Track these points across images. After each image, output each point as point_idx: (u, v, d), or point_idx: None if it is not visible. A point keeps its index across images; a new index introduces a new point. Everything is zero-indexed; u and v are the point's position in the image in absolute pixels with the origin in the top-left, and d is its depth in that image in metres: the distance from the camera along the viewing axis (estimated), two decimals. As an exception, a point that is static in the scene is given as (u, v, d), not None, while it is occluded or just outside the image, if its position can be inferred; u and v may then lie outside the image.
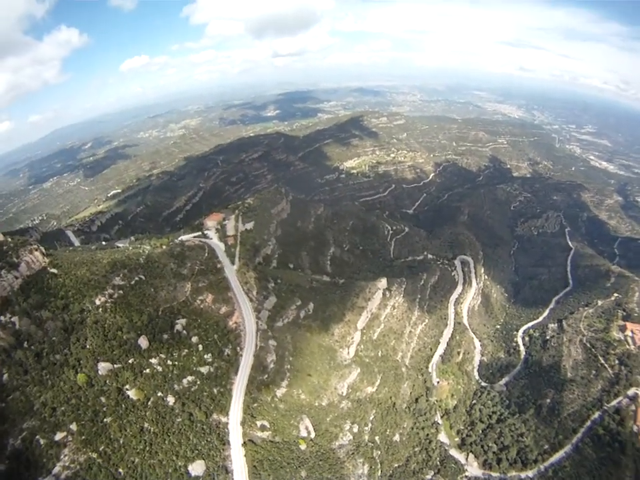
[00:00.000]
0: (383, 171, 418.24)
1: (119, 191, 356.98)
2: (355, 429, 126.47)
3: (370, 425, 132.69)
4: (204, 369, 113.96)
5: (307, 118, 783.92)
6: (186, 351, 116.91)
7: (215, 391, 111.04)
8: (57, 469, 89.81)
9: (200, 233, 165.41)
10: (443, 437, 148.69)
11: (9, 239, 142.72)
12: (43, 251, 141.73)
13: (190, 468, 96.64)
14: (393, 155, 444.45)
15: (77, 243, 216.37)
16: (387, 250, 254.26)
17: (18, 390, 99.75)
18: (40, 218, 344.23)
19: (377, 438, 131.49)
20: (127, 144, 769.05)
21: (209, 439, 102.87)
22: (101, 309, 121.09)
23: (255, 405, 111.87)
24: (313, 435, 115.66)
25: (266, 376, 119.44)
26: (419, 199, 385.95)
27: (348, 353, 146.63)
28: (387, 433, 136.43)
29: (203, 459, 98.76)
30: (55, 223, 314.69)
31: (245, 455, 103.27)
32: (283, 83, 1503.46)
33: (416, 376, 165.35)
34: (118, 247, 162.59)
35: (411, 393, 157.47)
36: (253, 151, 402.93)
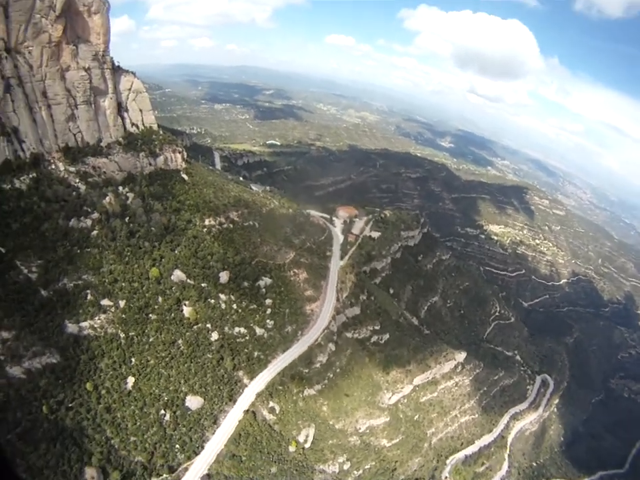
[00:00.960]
0: (521, 251, 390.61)
1: (278, 143, 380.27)
2: (345, 467, 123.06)
3: (360, 472, 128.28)
4: (259, 330, 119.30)
5: (476, 164, 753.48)
6: (254, 306, 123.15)
7: (256, 354, 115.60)
8: (85, 324, 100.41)
9: (329, 216, 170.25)
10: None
11: (161, 132, 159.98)
12: (185, 156, 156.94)
13: (188, 398, 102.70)
14: (537, 241, 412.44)
15: (218, 166, 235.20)
16: (483, 327, 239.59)
17: (96, 248, 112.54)
18: (198, 130, 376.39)
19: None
20: (303, 107, 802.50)
21: (220, 387, 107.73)
22: (205, 229, 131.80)
23: (280, 388, 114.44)
24: (307, 445, 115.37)
25: (307, 371, 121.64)
26: (539, 298, 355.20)
27: (389, 399, 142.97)
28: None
29: (204, 400, 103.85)
30: (209, 141, 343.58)
31: (240, 421, 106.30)
32: (467, 119, 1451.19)
33: (431, 459, 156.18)
34: (251, 188, 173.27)
35: (415, 470, 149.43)
36: (413, 171, 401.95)
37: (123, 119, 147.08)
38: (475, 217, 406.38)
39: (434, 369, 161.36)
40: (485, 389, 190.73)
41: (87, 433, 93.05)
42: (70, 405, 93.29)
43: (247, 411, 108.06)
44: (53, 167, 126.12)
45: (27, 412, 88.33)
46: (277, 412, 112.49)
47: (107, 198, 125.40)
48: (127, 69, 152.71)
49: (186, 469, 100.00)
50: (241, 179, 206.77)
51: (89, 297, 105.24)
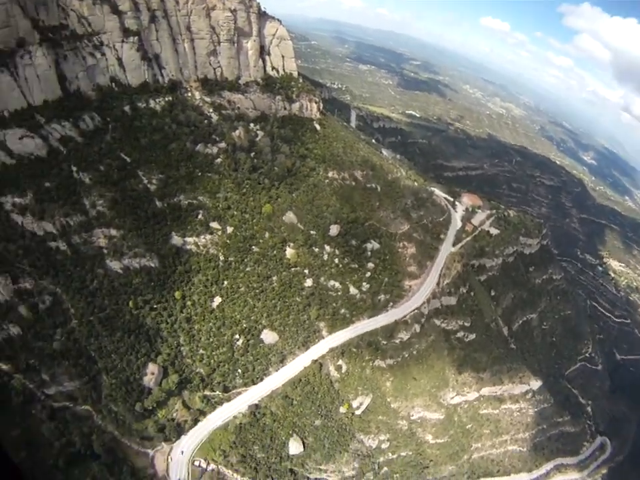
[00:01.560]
0: (634, 299, 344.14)
1: (417, 115, 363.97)
2: (383, 446, 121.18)
3: (395, 456, 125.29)
4: (353, 290, 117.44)
5: (614, 190, 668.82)
6: (355, 265, 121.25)
7: (342, 311, 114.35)
8: (190, 239, 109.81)
9: (452, 200, 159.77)
10: None
11: (301, 80, 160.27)
12: (320, 107, 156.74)
13: (265, 331, 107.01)
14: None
15: (353, 124, 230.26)
16: (568, 363, 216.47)
17: (217, 174, 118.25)
18: (339, 86, 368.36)
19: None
20: (449, 85, 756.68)
21: (298, 331, 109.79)
22: (327, 181, 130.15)
23: (354, 350, 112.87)
24: (358, 412, 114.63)
25: (385, 342, 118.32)
26: (636, 355, 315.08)
27: (452, 398, 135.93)
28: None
29: (280, 338, 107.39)
30: (349, 98, 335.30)
31: (305, 368, 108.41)
32: (614, 139, 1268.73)
33: (464, 472, 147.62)
34: (381, 153, 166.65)
35: (444, 477, 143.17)
36: (548, 178, 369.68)
37: (264, 61, 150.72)
38: (599, 245, 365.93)
39: (505, 386, 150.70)
40: (545, 426, 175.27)
41: (162, 335, 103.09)
42: (155, 307, 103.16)
43: (316, 361, 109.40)
44: (189, 94, 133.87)
45: (114, 302, 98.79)
46: (343, 371, 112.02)
47: (237, 131, 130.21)
48: (272, 16, 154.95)
49: (239, 394, 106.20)
50: (373, 141, 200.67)
51: (200, 216, 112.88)
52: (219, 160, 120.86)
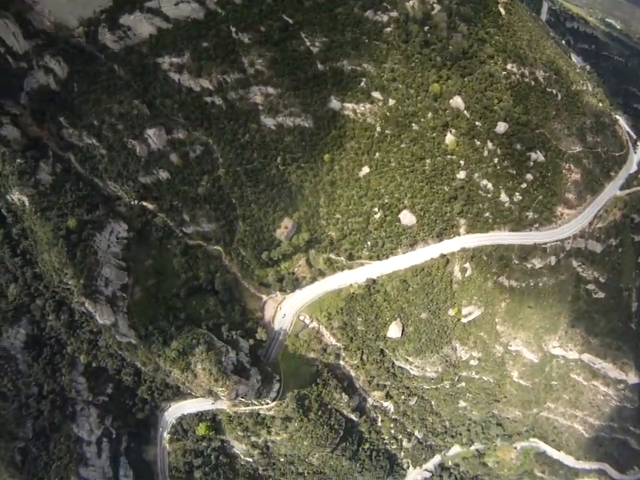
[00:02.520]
0: None
1: (617, 27, 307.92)
2: (472, 362, 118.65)
3: (473, 373, 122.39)
4: (504, 197, 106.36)
5: None
6: (513, 172, 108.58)
7: (486, 215, 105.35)
8: (349, 105, 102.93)
9: (635, 137, 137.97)
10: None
11: None
12: None
13: (405, 212, 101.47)
14: None
15: (543, 17, 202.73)
16: None
17: (386, 44, 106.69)
18: None
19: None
20: None
21: (437, 221, 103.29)
22: (505, 73, 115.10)
23: (484, 259, 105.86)
24: (464, 320, 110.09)
25: (517, 262, 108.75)
26: None
27: (554, 347, 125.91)
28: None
29: (417, 222, 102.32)
30: None
31: (432, 259, 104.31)
32: None
33: (524, 424, 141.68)
34: (569, 57, 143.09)
35: (506, 419, 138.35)
36: None
37: None
38: None
39: (605, 363, 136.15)
40: (615, 426, 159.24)
41: (303, 193, 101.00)
42: (302, 165, 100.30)
43: (444, 255, 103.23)
44: None
45: (263, 156, 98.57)
46: (466, 275, 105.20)
47: (411, 1, 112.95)
48: None
49: (361, 265, 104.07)
50: (563, 42, 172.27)
51: (363, 84, 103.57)
52: (388, 29, 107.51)
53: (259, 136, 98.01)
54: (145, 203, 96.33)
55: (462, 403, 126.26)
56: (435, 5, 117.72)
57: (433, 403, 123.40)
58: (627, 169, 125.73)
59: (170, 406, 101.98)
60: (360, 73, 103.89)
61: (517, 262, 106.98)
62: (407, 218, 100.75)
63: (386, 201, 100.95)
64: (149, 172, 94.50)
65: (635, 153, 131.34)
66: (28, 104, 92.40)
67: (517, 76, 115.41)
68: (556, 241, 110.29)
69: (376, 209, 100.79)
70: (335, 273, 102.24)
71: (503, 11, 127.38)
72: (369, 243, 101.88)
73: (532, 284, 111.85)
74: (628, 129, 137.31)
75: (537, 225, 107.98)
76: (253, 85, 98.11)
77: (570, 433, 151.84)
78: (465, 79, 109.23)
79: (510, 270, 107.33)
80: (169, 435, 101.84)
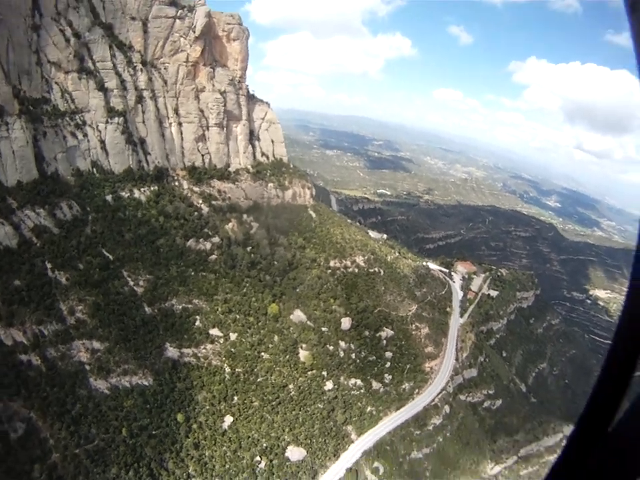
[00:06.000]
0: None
1: (388, 193, 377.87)
2: None
3: None
4: (376, 384, 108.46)
5: (581, 225, 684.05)
6: (374, 357, 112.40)
7: (369, 409, 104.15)
8: (188, 351, 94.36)
9: (447, 270, 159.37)
10: None
11: (291, 165, 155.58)
12: (313, 193, 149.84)
13: (290, 448, 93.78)
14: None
15: (335, 208, 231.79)
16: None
17: (213, 273, 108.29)
18: (310, 172, 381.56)
19: None
20: (411, 160, 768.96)
21: (327, 440, 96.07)
22: (330, 271, 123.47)
23: (387, 448, 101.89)
24: None
25: (418, 432, 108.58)
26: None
27: (492, 469, 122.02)
28: None
29: (307, 452, 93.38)
30: (322, 184, 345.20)
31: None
32: (572, 178, 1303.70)
33: None
34: (369, 235, 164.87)
35: None
36: (523, 229, 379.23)
37: (253, 147, 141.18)
38: (582, 280, 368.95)
39: (541, 440, 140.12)
40: None
41: (167, 466, 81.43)
42: (154, 433, 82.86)
43: (350, 469, 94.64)
44: (177, 184, 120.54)
45: (104, 430, 78.52)
46: (381, 473, 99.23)
47: (230, 224, 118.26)
48: (261, 99, 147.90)
49: None
50: (358, 224, 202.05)
51: (198, 323, 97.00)
52: (213, 257, 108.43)
53: (92, 404, 79.33)
54: None
55: None
56: (252, 224, 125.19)
57: None
58: (456, 299, 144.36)
59: None
60: (192, 311, 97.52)
61: (418, 432, 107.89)
62: (295, 453, 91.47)
63: (265, 445, 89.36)
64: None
65: (454, 281, 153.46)
66: None
67: (342, 269, 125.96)
68: (441, 391, 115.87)
69: (258, 458, 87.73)
70: None
71: (313, 214, 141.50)
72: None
73: (440, 439, 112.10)
74: (438, 267, 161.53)
75: (417, 390, 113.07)
76: (75, 338, 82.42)
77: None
78: (298, 290, 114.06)
79: (416, 442, 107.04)
80: None
